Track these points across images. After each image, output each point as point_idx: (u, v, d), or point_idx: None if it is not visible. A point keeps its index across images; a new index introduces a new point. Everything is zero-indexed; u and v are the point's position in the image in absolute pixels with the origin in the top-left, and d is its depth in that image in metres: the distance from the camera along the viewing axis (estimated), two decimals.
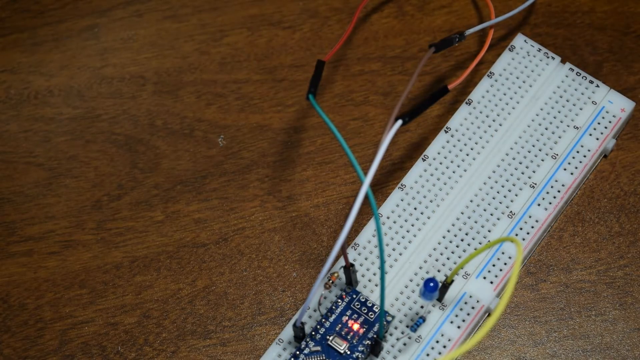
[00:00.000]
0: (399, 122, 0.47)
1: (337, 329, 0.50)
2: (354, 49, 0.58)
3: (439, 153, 0.54)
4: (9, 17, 0.60)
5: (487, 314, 0.52)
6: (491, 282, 0.51)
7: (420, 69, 0.49)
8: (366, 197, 0.46)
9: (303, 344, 0.50)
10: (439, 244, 0.52)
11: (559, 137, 0.54)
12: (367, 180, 0.45)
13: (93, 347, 0.52)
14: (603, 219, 0.54)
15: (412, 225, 0.53)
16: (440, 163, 0.54)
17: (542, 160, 0.54)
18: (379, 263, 0.52)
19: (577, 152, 0.54)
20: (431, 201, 0.53)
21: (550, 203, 0.53)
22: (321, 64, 0.51)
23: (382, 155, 0.46)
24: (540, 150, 0.54)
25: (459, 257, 0.52)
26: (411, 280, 0.52)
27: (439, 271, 0.52)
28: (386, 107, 0.57)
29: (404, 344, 0.50)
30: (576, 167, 0.54)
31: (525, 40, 0.57)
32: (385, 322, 0.50)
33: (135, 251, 0.54)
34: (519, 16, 0.59)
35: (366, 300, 0.51)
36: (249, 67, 0.58)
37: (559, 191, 0.53)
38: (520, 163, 0.54)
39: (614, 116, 0.55)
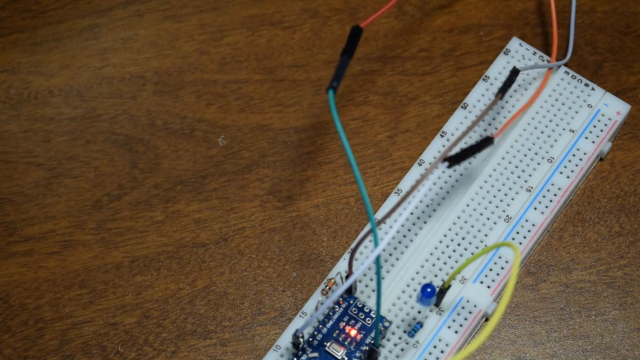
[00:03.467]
0: (445, 164, 0.47)
1: (334, 335, 0.50)
2: None
3: (434, 157, 0.54)
4: (9, 17, 0.60)
5: (484, 319, 0.52)
6: (488, 287, 0.51)
7: (485, 114, 0.49)
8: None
9: (300, 350, 0.50)
10: (436, 248, 0.52)
11: (555, 141, 0.54)
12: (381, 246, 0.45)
13: (93, 347, 0.52)
14: (603, 218, 0.54)
15: (409, 230, 0.53)
16: (436, 167, 0.54)
17: (538, 164, 0.54)
18: (375, 269, 0.52)
19: (573, 155, 0.54)
20: (427, 206, 0.53)
21: (546, 207, 0.53)
22: (358, 31, 0.47)
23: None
24: (536, 154, 0.54)
25: (456, 262, 0.52)
26: (408, 286, 0.52)
27: (435, 276, 0.52)
28: (386, 107, 0.57)
29: (402, 350, 0.50)
30: (572, 171, 0.54)
31: (520, 44, 0.57)
32: (382, 328, 0.50)
33: (135, 251, 0.54)
34: (518, 16, 0.59)
35: (363, 306, 0.51)
36: (249, 67, 0.58)
37: (555, 195, 0.53)
38: (517, 167, 0.54)
39: (609, 119, 0.55)
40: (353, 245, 0.52)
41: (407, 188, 0.53)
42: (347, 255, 0.52)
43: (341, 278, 0.51)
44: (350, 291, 0.51)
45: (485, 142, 0.48)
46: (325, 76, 0.58)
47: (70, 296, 0.53)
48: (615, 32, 0.58)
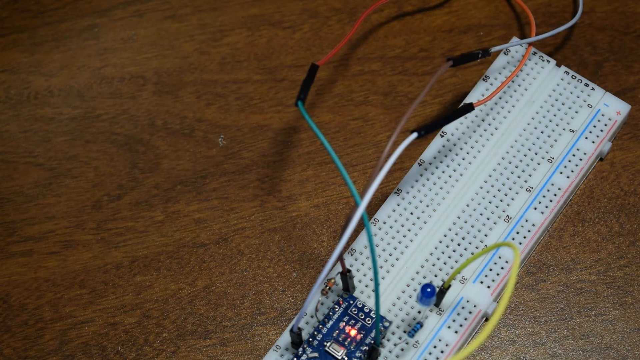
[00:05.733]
0: (414, 134, 0.47)
1: (334, 335, 0.50)
2: (354, 49, 0.58)
3: (434, 158, 0.54)
4: (9, 17, 0.60)
5: (484, 319, 0.52)
6: (488, 287, 0.51)
7: (434, 81, 0.48)
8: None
9: (300, 350, 0.50)
10: (436, 248, 0.52)
11: (555, 141, 0.54)
12: (364, 204, 0.45)
13: (93, 347, 0.52)
14: (603, 219, 0.54)
15: (409, 231, 0.53)
16: (437, 168, 0.54)
17: (538, 164, 0.54)
18: (372, 267, 0.52)
19: (573, 155, 0.54)
20: (427, 206, 0.53)
21: (546, 207, 0.53)
22: (314, 68, 0.50)
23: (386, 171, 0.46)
24: (536, 154, 0.54)
25: (456, 262, 0.52)
26: (408, 286, 0.52)
27: (435, 276, 0.52)
28: (386, 107, 0.57)
29: (402, 350, 0.50)
30: (572, 171, 0.54)
31: (520, 44, 0.56)
32: (382, 328, 0.50)
33: (135, 251, 0.54)
34: (518, 16, 0.59)
35: (363, 306, 0.51)
36: (249, 67, 0.58)
37: (555, 195, 0.53)
38: (517, 167, 0.54)
39: (609, 119, 0.55)
40: (345, 237, 0.50)
41: (407, 188, 0.53)
42: (347, 255, 0.52)
43: (341, 276, 0.51)
44: (348, 289, 0.51)
45: (464, 109, 0.49)
46: (325, 76, 0.58)
47: (70, 296, 0.53)
48: (615, 32, 0.58)
